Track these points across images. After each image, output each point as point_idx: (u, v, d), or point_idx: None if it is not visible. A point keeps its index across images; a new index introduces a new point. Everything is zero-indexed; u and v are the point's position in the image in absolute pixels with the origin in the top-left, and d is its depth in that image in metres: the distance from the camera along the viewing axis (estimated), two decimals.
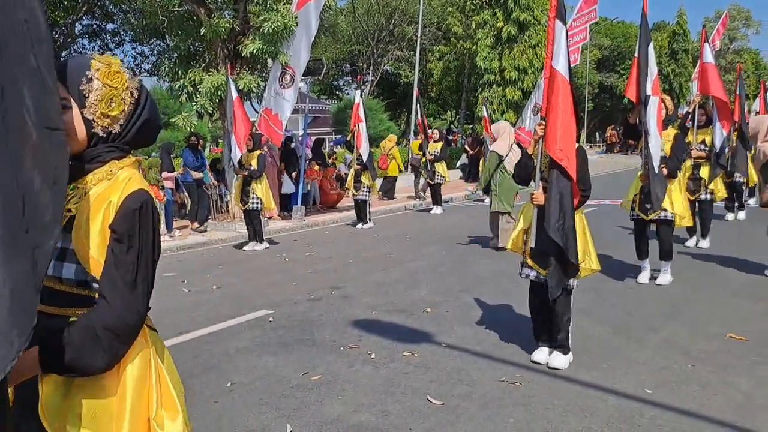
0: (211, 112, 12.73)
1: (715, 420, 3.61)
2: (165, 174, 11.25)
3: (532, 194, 4.47)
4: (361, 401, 4.02)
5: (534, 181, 4.56)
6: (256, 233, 10.13)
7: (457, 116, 33.88)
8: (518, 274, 4.76)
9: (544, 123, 4.35)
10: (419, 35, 22.76)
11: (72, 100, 1.63)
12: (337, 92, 43.52)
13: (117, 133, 1.71)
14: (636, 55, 6.42)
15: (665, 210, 6.59)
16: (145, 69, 27.25)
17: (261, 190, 9.90)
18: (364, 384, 4.30)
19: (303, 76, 12.58)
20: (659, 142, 6.22)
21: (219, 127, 21.28)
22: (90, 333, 1.55)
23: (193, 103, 12.34)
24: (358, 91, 13.79)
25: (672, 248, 6.77)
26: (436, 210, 14.19)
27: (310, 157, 14.93)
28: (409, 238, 10.60)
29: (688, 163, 8.54)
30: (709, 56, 8.63)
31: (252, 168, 9.89)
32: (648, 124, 6.12)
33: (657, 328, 5.32)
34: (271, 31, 11.33)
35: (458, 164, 20.92)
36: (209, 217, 12.54)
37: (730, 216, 11.23)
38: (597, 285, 6.85)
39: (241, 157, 10.15)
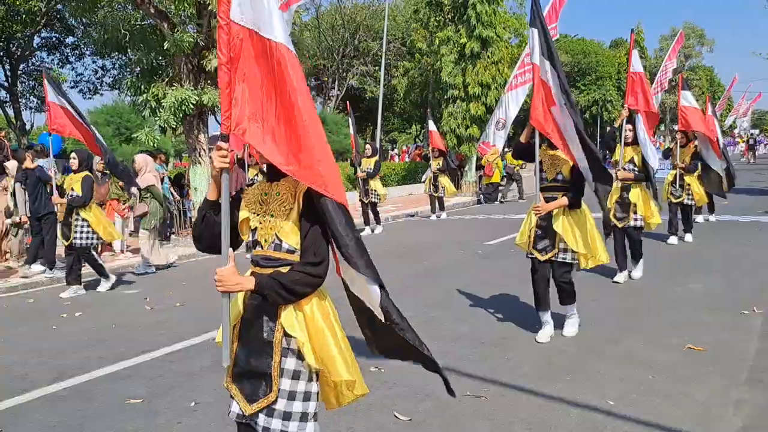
0: (174, 126, 12.62)
1: (673, 430, 3.70)
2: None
3: (217, 272, 2.52)
4: (328, 418, 3.99)
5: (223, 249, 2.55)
6: (96, 271, 8.24)
7: (422, 131, 34.14)
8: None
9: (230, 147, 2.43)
10: (384, 51, 22.95)
11: None
12: None
13: None
14: (533, 61, 5.05)
15: (565, 250, 5.32)
16: (106, 83, 26.90)
17: (92, 219, 7.80)
18: None
19: None
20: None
21: (182, 141, 21.13)
22: None
23: (157, 118, 12.22)
24: None
25: (574, 289, 5.51)
26: (376, 230, 12.93)
27: None
28: (370, 252, 10.60)
29: (615, 185, 7.41)
30: (638, 65, 7.80)
31: (74, 195, 7.70)
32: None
33: (618, 339, 5.42)
34: None
35: (423, 178, 21.12)
36: (172, 232, 12.37)
37: (672, 239, 9.99)
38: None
39: (64, 181, 8.24)
